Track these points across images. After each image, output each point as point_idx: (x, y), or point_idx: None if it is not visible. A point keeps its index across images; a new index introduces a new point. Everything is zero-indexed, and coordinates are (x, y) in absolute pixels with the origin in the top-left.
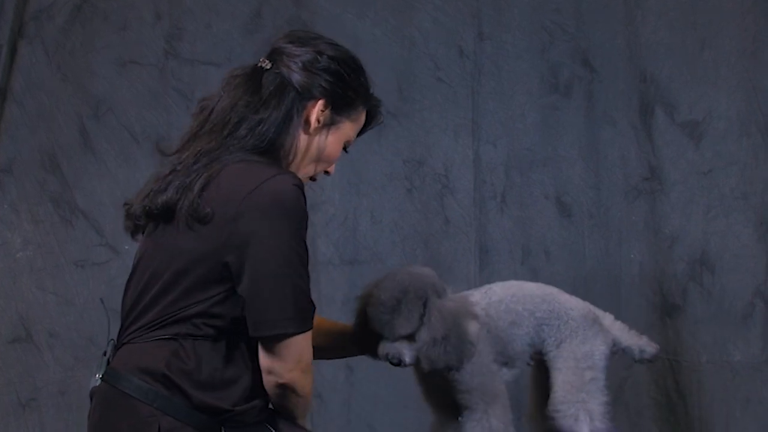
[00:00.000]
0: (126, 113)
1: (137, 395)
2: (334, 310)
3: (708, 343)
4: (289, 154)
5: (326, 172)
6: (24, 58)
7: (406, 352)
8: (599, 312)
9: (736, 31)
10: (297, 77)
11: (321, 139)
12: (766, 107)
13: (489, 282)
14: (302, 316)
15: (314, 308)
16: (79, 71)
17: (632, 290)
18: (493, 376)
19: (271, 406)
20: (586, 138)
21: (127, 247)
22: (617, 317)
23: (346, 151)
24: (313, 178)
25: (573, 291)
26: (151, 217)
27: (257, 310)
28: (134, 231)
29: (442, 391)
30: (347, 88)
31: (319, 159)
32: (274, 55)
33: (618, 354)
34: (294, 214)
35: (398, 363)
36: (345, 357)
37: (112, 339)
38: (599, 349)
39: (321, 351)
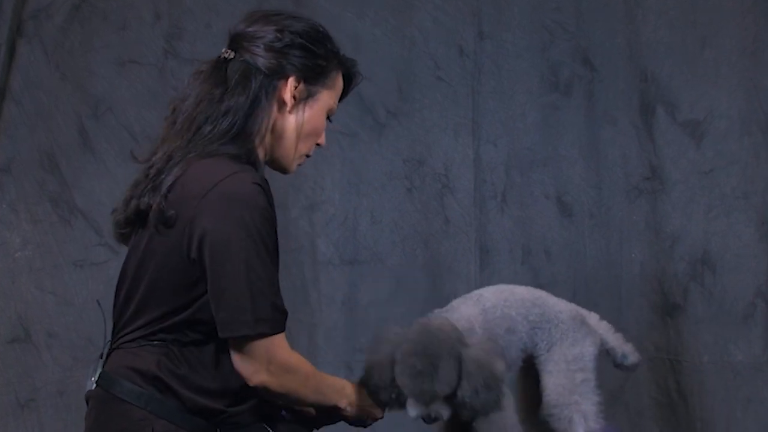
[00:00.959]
0: (125, 113)
1: (130, 399)
2: (333, 310)
3: (709, 343)
4: (264, 138)
5: (318, 145)
6: (23, 58)
7: (444, 411)
8: (585, 312)
9: (737, 30)
10: (262, 60)
11: (301, 115)
12: (767, 106)
13: (489, 282)
14: (262, 316)
15: (281, 308)
16: (78, 71)
17: (633, 290)
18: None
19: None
20: (586, 137)
21: (125, 247)
22: (618, 317)
23: (330, 121)
24: (308, 155)
25: (574, 291)
26: (130, 224)
27: (218, 312)
28: (121, 239)
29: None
30: (316, 58)
31: (305, 135)
32: (235, 42)
33: (602, 354)
34: (251, 212)
35: (435, 419)
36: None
37: (110, 340)
38: (588, 351)
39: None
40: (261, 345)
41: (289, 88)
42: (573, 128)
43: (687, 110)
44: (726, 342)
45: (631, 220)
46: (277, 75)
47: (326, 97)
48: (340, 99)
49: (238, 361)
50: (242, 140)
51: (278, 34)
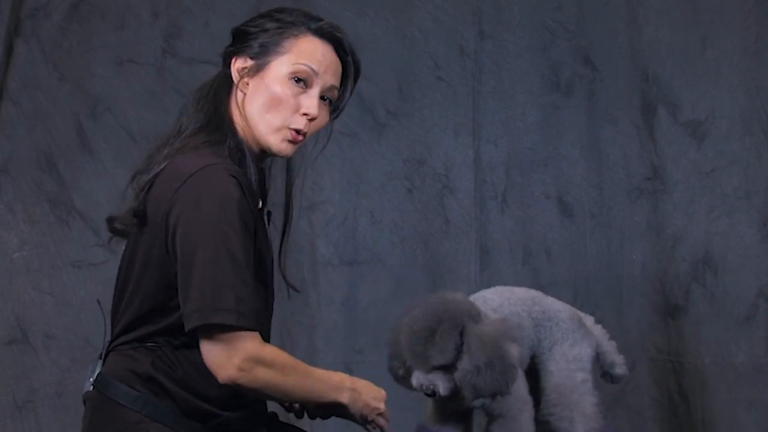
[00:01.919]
0: (123, 113)
1: (125, 402)
2: (333, 310)
3: (711, 344)
4: (236, 121)
5: (305, 115)
6: (20, 57)
7: (440, 383)
8: (581, 313)
9: (739, 29)
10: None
11: (254, 87)
12: None
13: (490, 283)
14: (224, 306)
15: (247, 302)
16: (76, 70)
17: (634, 291)
18: (522, 381)
19: (270, 409)
20: (587, 137)
21: (123, 248)
22: (619, 318)
23: (307, 88)
24: (300, 132)
25: (575, 291)
26: (130, 228)
27: (183, 304)
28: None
29: (462, 411)
30: (254, 33)
31: (266, 106)
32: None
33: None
34: (222, 203)
35: (432, 394)
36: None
37: (109, 341)
38: (587, 351)
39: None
40: (225, 337)
41: (234, 69)
42: (574, 128)
43: (688, 110)
44: (728, 343)
45: (633, 220)
46: (226, 62)
47: (279, 64)
48: (353, 83)
49: (205, 356)
50: (213, 129)
51: (234, 31)
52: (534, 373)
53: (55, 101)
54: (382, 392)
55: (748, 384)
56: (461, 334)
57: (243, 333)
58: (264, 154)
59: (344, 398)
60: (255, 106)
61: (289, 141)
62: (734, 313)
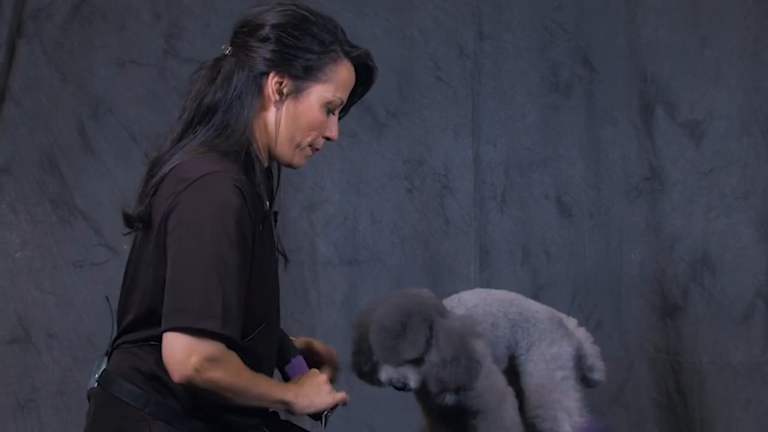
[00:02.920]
0: (125, 113)
1: (128, 399)
2: (333, 310)
3: (709, 343)
4: (255, 134)
5: (327, 138)
6: (22, 58)
7: (411, 376)
8: (563, 315)
9: (737, 29)
10: (243, 56)
11: (291, 110)
12: (767, 106)
13: (489, 283)
14: (211, 314)
15: (232, 312)
16: (78, 71)
17: (633, 291)
18: (498, 375)
19: (271, 409)
20: (586, 138)
21: (126, 247)
22: (618, 317)
23: (334, 114)
24: (315, 148)
25: (573, 291)
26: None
27: (166, 301)
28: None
29: (452, 415)
30: (296, 50)
31: (298, 130)
32: (233, 36)
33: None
34: (222, 211)
35: (402, 387)
36: None
37: (116, 336)
38: (566, 351)
39: None
40: (194, 340)
41: (269, 84)
42: (573, 128)
43: (687, 110)
44: (726, 342)
45: (631, 220)
46: (258, 70)
47: (321, 91)
48: (363, 90)
49: (164, 354)
50: (230, 136)
51: (258, 29)
52: (514, 375)
53: (57, 102)
54: (322, 376)
55: (746, 383)
56: (430, 328)
57: (215, 341)
58: (272, 158)
59: (289, 396)
60: (287, 127)
61: (307, 156)
62: (732, 312)
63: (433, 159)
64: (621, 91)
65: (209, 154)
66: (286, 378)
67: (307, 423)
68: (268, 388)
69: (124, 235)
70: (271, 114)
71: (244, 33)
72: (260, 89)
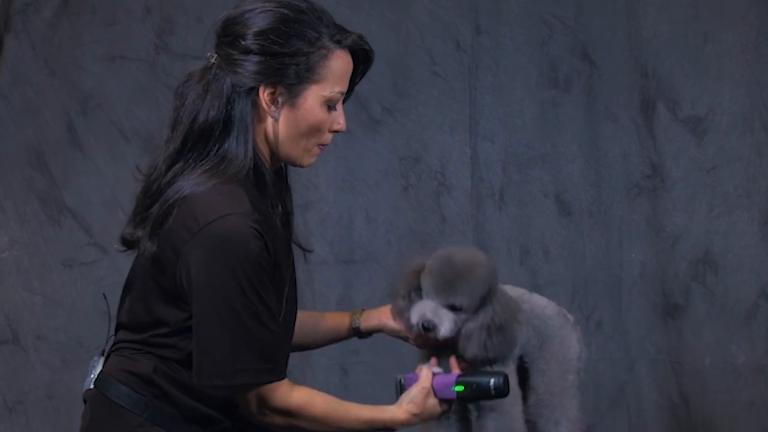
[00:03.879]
0: (115, 109)
1: (126, 404)
2: (328, 310)
3: (711, 344)
4: (257, 145)
5: (335, 131)
6: (10, 53)
7: (446, 323)
8: (564, 310)
9: (739, 24)
10: (229, 69)
11: (290, 117)
12: None
13: None
14: (243, 367)
15: (271, 358)
16: (67, 66)
17: (633, 290)
18: (513, 375)
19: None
20: (586, 134)
21: (116, 247)
22: (618, 318)
23: (336, 108)
24: (324, 144)
25: (573, 291)
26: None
27: (195, 356)
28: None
29: (456, 410)
30: (283, 57)
31: (303, 135)
32: (216, 46)
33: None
34: (241, 261)
35: (431, 329)
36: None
37: (112, 335)
38: (575, 349)
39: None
40: (248, 395)
41: (262, 97)
42: (572, 125)
43: (688, 106)
44: (728, 343)
45: (632, 218)
46: (247, 86)
47: (316, 92)
48: (364, 69)
49: (239, 405)
50: (233, 161)
51: (237, 40)
52: (523, 372)
53: (45, 97)
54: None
55: (748, 385)
56: (490, 289)
57: (266, 387)
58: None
59: (400, 414)
60: (288, 134)
61: (316, 155)
62: (735, 312)
63: (430, 156)
64: (621, 87)
65: (218, 184)
66: (400, 387)
67: None
68: (362, 412)
69: (120, 251)
70: (269, 124)
71: (226, 44)
72: (254, 103)
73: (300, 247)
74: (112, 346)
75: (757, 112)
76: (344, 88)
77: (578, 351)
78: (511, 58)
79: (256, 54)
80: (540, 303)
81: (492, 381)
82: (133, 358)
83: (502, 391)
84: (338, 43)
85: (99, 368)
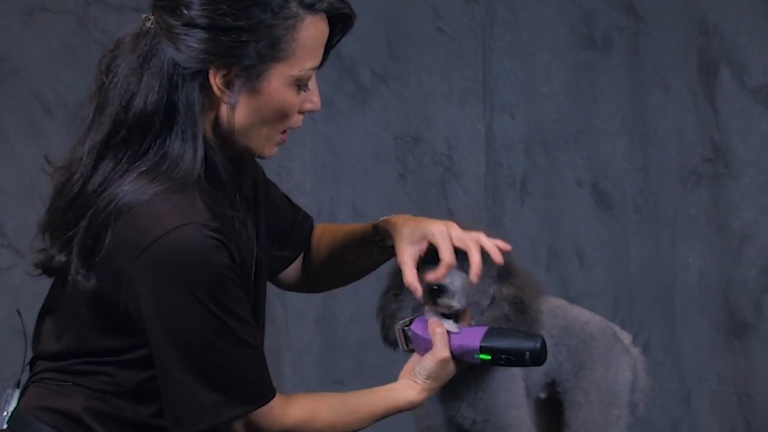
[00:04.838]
0: (35, 75)
1: None
2: (305, 329)
3: None
4: (207, 132)
5: (307, 111)
6: None
7: (458, 280)
8: (616, 327)
9: None
10: (169, 44)
11: (249, 103)
12: None
13: None
14: (223, 399)
15: (255, 380)
16: None
17: (690, 304)
18: (526, 409)
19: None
20: (630, 106)
21: (30, 270)
22: (671, 338)
23: (308, 87)
24: (284, 131)
25: (613, 305)
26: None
27: (166, 405)
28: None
29: None
30: (237, 33)
31: (266, 121)
32: (153, 9)
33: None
34: (201, 281)
35: (441, 289)
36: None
37: (28, 363)
38: (624, 377)
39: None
40: (236, 425)
41: (213, 83)
42: (613, 94)
43: (759, 72)
44: None
45: (688, 213)
46: (192, 67)
47: (282, 71)
48: (339, 37)
49: None
50: (179, 160)
51: (182, 8)
52: (554, 404)
53: None
54: (444, 356)
55: None
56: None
57: (258, 411)
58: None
59: (417, 394)
60: (248, 122)
61: (279, 143)
62: None
63: (433, 135)
64: (675, 47)
65: (164, 191)
66: (405, 339)
67: None
68: (370, 415)
69: (36, 273)
70: (223, 111)
71: (165, 10)
72: (203, 86)
73: (268, 253)
74: (30, 376)
75: None
76: (317, 61)
77: (629, 380)
78: (535, 11)
79: (203, 29)
80: (580, 317)
81: (527, 346)
82: (58, 392)
83: (539, 358)
84: (309, 7)
85: (13, 404)
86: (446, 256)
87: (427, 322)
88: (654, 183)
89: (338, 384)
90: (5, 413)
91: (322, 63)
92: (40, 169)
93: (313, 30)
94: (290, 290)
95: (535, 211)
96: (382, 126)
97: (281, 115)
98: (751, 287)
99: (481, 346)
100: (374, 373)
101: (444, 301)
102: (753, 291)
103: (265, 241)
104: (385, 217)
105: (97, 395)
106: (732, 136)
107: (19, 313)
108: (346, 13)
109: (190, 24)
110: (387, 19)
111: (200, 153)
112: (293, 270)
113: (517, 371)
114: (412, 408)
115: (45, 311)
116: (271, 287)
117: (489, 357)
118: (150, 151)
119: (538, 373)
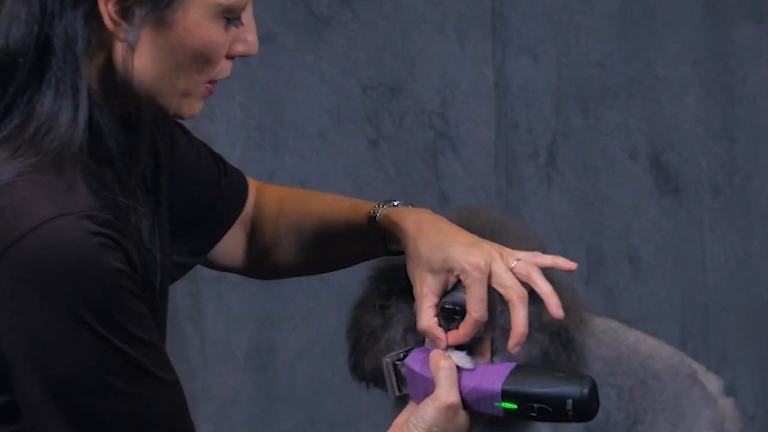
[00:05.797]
0: None
1: None
2: (232, 365)
3: None
4: (93, 87)
5: (240, 56)
6: None
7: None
8: (697, 366)
9: None
10: None
11: (157, 42)
12: None
13: None
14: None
15: (180, 423)
16: None
17: None
18: None
19: None
20: (705, 41)
21: None
22: (764, 380)
23: (242, 21)
24: (212, 81)
25: (682, 329)
26: None
27: None
28: None
29: None
30: None
31: (183, 68)
32: None
33: None
34: (84, 295)
35: (460, 312)
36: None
37: None
38: None
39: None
40: None
41: (104, 11)
42: (681, 25)
43: None
44: None
45: None
46: None
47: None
48: None
49: None
50: (53, 127)
51: None
52: None
53: None
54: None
55: None
56: None
57: None
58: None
59: None
60: (155, 69)
61: (202, 98)
62: None
63: (419, 84)
64: None
65: (31, 167)
66: (397, 378)
67: None
68: None
69: None
70: (118, 53)
71: None
72: (89, 15)
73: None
74: None
75: None
76: None
77: None
78: None
79: None
80: (639, 348)
81: (570, 391)
82: None
83: (586, 410)
84: None
85: None
86: (475, 309)
87: (428, 353)
88: (741, 155)
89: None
90: None
91: None
92: None
93: None
94: (229, 272)
95: (567, 195)
96: (345, 70)
97: (202, 59)
98: None
99: (503, 390)
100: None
101: (453, 319)
102: None
103: (167, 237)
104: (384, 209)
105: None
106: None
107: None
108: None
109: None
110: None
111: (83, 113)
112: (230, 248)
113: (544, 427)
114: None
115: None
116: (176, 311)
117: (515, 406)
118: (14, 109)
119: (575, 429)
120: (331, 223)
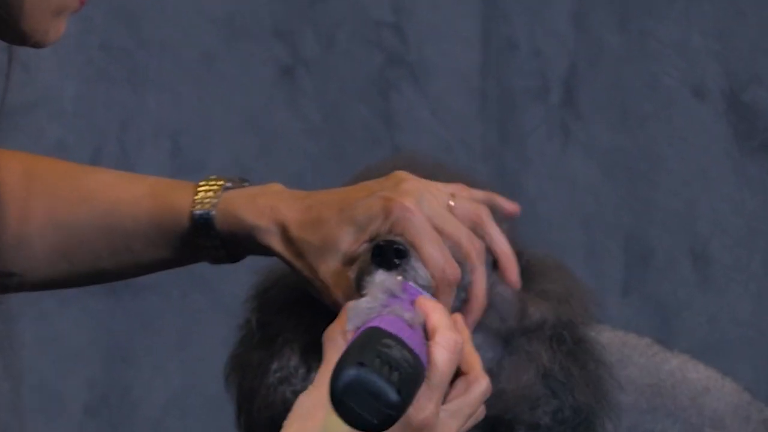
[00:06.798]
0: None
1: None
2: (72, 412)
3: None
4: None
5: None
6: None
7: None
8: (757, 403)
9: None
10: None
11: None
12: None
13: None
14: None
15: None
16: None
17: None
18: None
19: None
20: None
21: None
22: None
23: None
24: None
25: (754, 364)
26: None
27: None
28: None
29: None
30: None
31: None
32: None
33: None
34: None
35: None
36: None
37: None
38: None
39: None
40: None
41: None
42: None
43: None
44: None
45: None
46: None
47: None
48: None
49: None
50: None
51: None
52: None
53: None
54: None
55: None
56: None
57: None
58: None
59: None
60: None
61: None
62: None
63: (390, 31)
64: None
65: None
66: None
67: None
68: None
69: None
70: None
71: None
72: None
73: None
74: None
75: None
76: None
77: None
78: None
79: None
80: (689, 380)
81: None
82: None
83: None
84: None
85: None
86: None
87: (414, 301)
88: None
89: None
90: None
91: None
92: None
93: None
94: None
95: (595, 156)
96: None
97: None
98: None
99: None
100: None
101: (412, 267)
102: None
103: None
104: (225, 194)
105: None
106: None
107: None
108: None
109: None
110: None
111: None
112: None
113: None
114: None
115: None
116: None
117: None
118: None
119: None
120: (119, 213)
